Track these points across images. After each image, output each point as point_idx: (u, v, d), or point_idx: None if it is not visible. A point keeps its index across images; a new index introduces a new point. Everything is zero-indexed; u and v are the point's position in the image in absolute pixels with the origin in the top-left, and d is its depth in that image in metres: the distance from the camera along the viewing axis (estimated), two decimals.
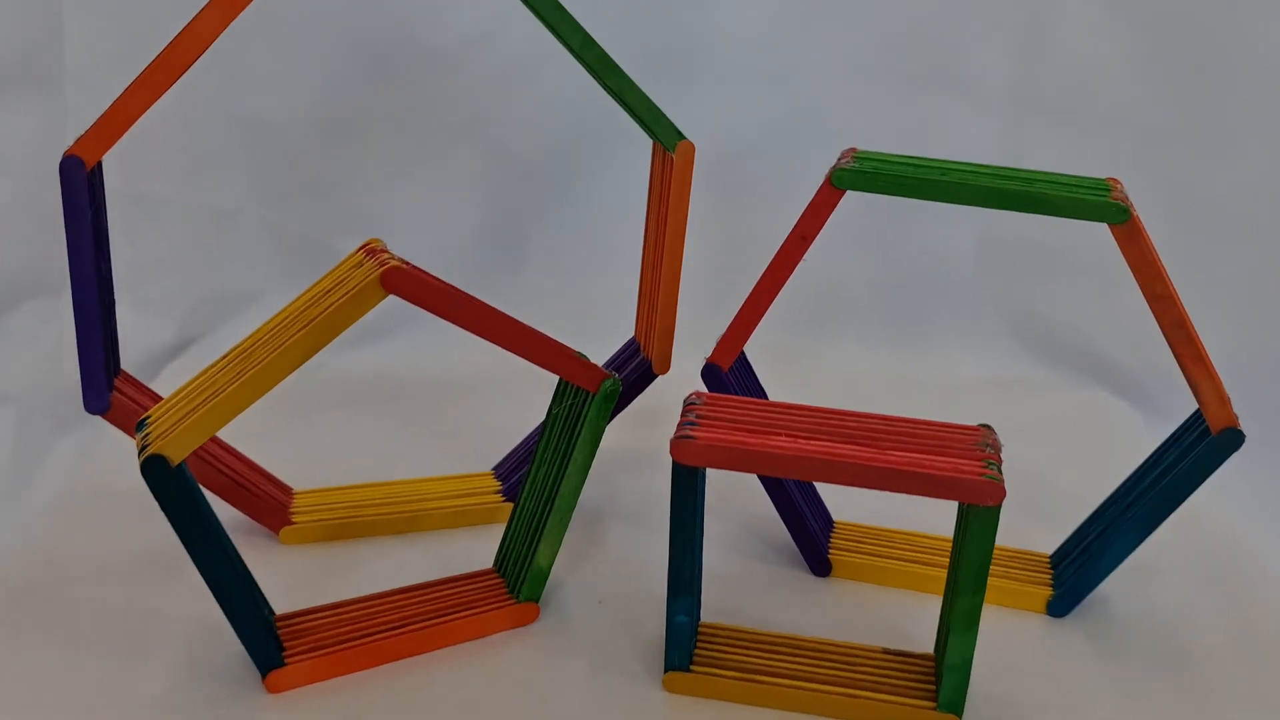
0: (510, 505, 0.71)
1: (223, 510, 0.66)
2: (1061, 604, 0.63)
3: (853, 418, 0.53)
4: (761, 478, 0.64)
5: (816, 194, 0.59)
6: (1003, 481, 0.49)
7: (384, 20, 0.89)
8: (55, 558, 0.65)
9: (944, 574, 0.65)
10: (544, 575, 0.61)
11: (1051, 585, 0.64)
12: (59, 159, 0.59)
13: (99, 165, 0.60)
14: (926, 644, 0.60)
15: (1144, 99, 0.91)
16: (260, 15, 0.59)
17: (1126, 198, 0.56)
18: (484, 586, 0.62)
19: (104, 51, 0.86)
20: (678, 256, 0.66)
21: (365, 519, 0.69)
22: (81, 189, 0.58)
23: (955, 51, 0.93)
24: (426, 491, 0.71)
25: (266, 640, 0.55)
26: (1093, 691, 0.58)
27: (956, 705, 0.54)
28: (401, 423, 0.83)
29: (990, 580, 0.61)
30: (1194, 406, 0.61)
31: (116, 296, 0.66)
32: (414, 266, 0.54)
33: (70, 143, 0.83)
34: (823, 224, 0.59)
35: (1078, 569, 0.63)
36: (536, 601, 0.61)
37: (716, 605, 0.62)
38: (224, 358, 0.54)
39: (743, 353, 0.65)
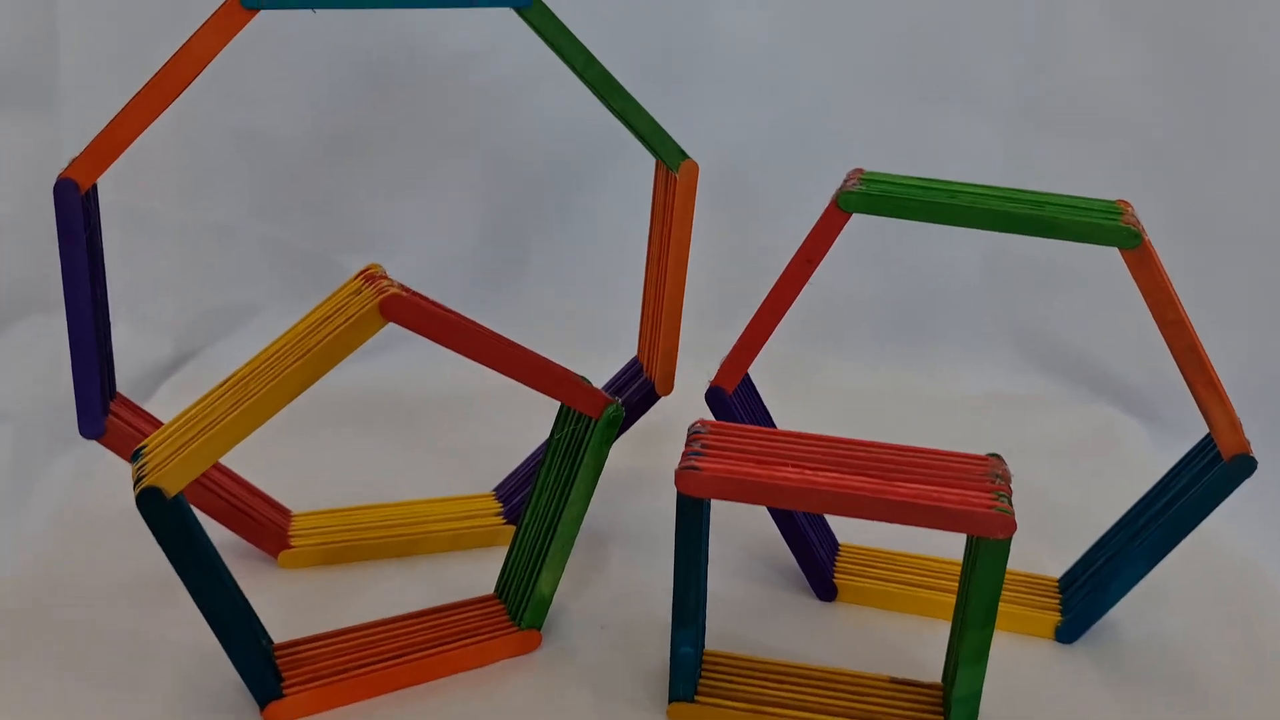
0: (511, 528, 0.70)
1: (220, 533, 0.66)
2: (1070, 630, 0.62)
3: (860, 447, 0.52)
4: None
5: (822, 216, 0.58)
6: (1013, 514, 0.48)
7: (383, 34, 0.88)
8: (50, 581, 0.64)
9: (950, 599, 0.64)
10: (546, 603, 0.60)
11: (1060, 611, 0.63)
12: (54, 173, 0.58)
13: (94, 187, 0.59)
14: (934, 671, 0.59)
15: (1150, 110, 0.90)
16: (258, 29, 0.58)
17: (1138, 221, 0.55)
18: (485, 613, 0.61)
19: (100, 66, 0.85)
20: (681, 278, 0.66)
21: (364, 542, 0.68)
22: (76, 213, 0.57)
23: (959, 62, 0.92)
24: (426, 514, 0.71)
25: (265, 671, 0.54)
26: (1102, 719, 0.58)
27: None
28: (401, 441, 0.82)
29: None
30: (1203, 425, 0.60)
31: (114, 313, 0.65)
32: (413, 292, 0.53)
33: (66, 158, 0.82)
34: (829, 247, 0.59)
35: (1086, 595, 0.62)
36: (539, 629, 0.60)
37: (720, 631, 0.61)
38: (221, 385, 0.53)
39: (747, 374, 0.64)
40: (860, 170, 0.61)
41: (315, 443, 0.81)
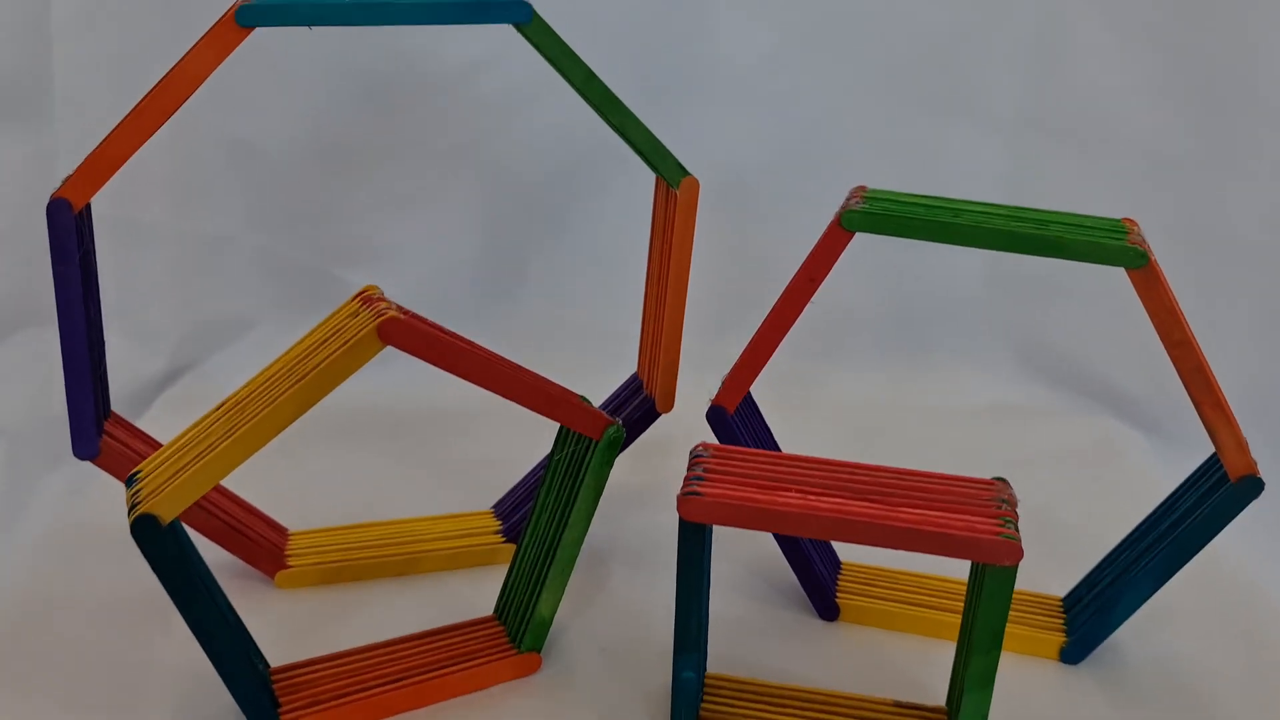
0: (510, 546, 0.69)
1: (216, 551, 0.65)
2: (1075, 651, 0.62)
3: (864, 471, 0.51)
4: None
5: (825, 236, 0.58)
6: (1019, 540, 0.48)
7: (380, 45, 0.87)
8: (42, 601, 0.64)
9: (954, 619, 0.63)
10: (546, 625, 0.59)
11: (1064, 631, 0.63)
12: (49, 186, 0.58)
13: (87, 205, 0.59)
14: (937, 693, 0.59)
15: (1156, 124, 0.89)
16: (254, 41, 0.58)
17: (1144, 240, 0.55)
18: (484, 635, 0.61)
19: (94, 79, 0.84)
20: (681, 295, 0.65)
21: (362, 562, 0.67)
22: (70, 233, 0.56)
23: (963, 75, 0.91)
24: (424, 532, 0.70)
25: (261, 697, 0.54)
26: None
27: None
28: (398, 456, 0.82)
29: None
30: (1206, 439, 0.60)
31: (109, 326, 0.64)
32: (411, 314, 0.52)
33: (60, 171, 0.81)
34: (831, 266, 0.58)
35: (1091, 615, 0.61)
36: (538, 652, 0.60)
37: (721, 653, 0.60)
38: (217, 409, 0.53)
39: (748, 391, 0.64)
40: (863, 188, 0.60)
41: (312, 458, 0.80)
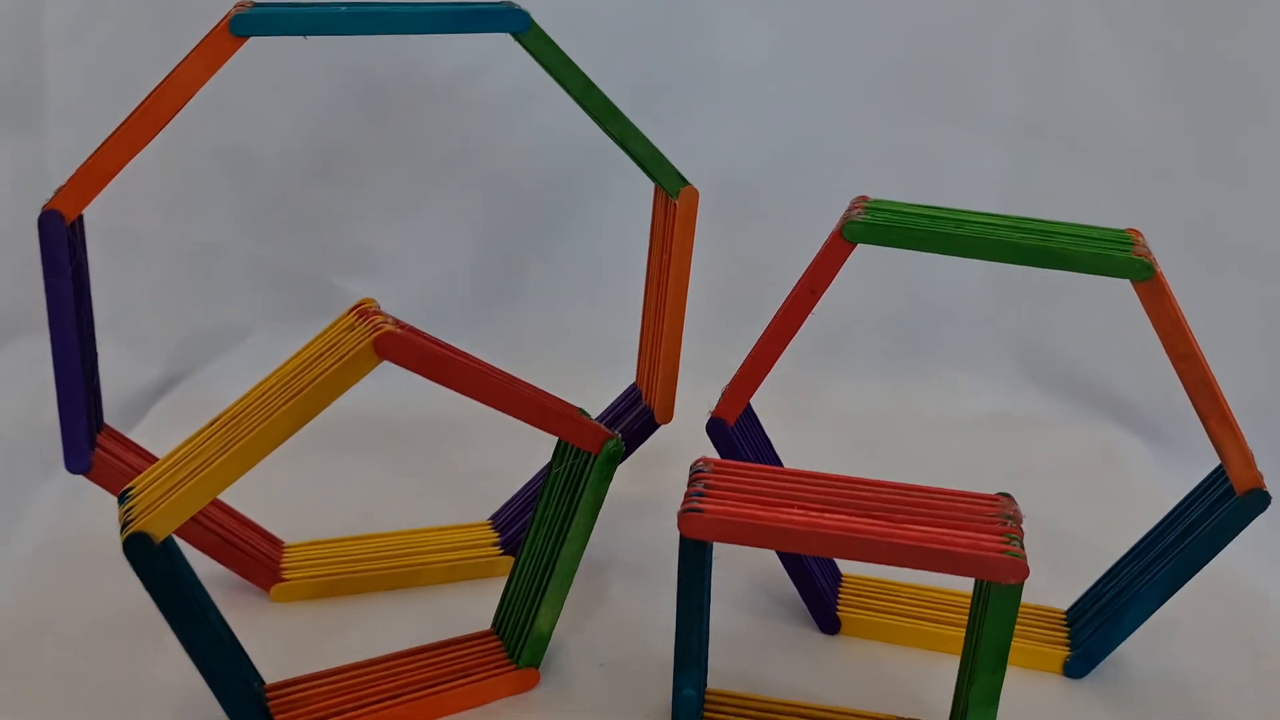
0: (508, 559, 0.68)
1: (210, 565, 0.65)
2: (1079, 665, 0.61)
3: (867, 487, 0.51)
4: None
5: (826, 247, 0.57)
6: (1025, 558, 0.47)
7: (375, 50, 0.86)
8: (34, 616, 0.63)
9: (957, 632, 0.63)
10: (545, 641, 0.59)
11: (1068, 645, 0.62)
12: (41, 194, 0.57)
13: (80, 216, 0.58)
14: (939, 709, 0.58)
15: (1158, 130, 0.89)
16: (249, 46, 0.57)
17: (1149, 252, 0.54)
18: (482, 650, 0.60)
19: (87, 86, 0.84)
20: (680, 305, 0.64)
21: (358, 575, 0.66)
22: (61, 245, 0.56)
23: (964, 81, 0.91)
24: (421, 544, 0.69)
25: (256, 715, 0.53)
26: None
27: None
28: (394, 466, 0.81)
29: None
30: (1209, 448, 0.59)
31: (102, 335, 0.64)
32: (408, 328, 0.51)
33: (53, 180, 0.80)
34: (833, 277, 0.57)
35: (1096, 629, 0.61)
36: (537, 667, 0.59)
37: (721, 667, 0.60)
38: (211, 424, 0.52)
39: (748, 403, 0.63)
40: (864, 198, 0.59)
41: (307, 467, 0.79)
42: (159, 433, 0.85)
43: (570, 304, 0.95)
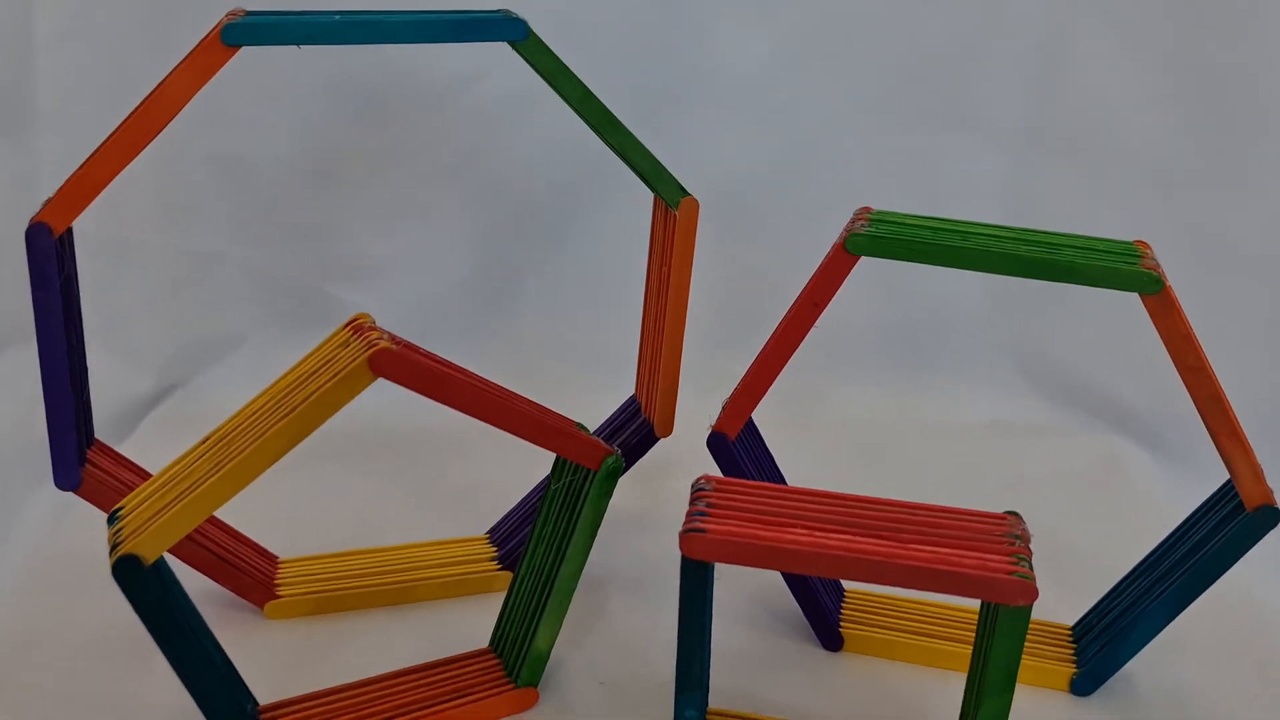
0: (506, 574, 0.67)
1: (203, 581, 0.63)
2: (1086, 682, 0.60)
3: (872, 506, 0.50)
4: None
5: (829, 260, 0.56)
6: (1034, 579, 0.46)
7: (371, 56, 0.85)
8: (22, 634, 0.62)
9: (961, 649, 0.62)
10: (543, 659, 0.58)
11: (1074, 662, 0.61)
12: (32, 204, 0.56)
13: (69, 229, 0.57)
14: None
15: (1161, 137, 0.88)
16: (242, 51, 0.56)
17: (1158, 265, 0.53)
18: (480, 669, 0.59)
19: (79, 94, 0.83)
20: (680, 317, 0.63)
21: (354, 591, 0.65)
22: (50, 258, 0.55)
23: (964, 88, 0.90)
24: (418, 559, 0.68)
25: None
26: None
27: None
28: (391, 479, 0.80)
29: None
30: (1214, 458, 0.58)
31: (94, 344, 0.63)
32: (403, 343, 0.50)
33: (44, 188, 0.79)
34: (836, 290, 0.56)
35: (1103, 646, 0.60)
36: (536, 687, 0.58)
37: (722, 685, 0.59)
38: (203, 442, 0.51)
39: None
40: (868, 209, 0.58)
41: (302, 479, 0.78)
42: (152, 444, 0.84)
43: (568, 312, 0.93)
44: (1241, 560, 0.58)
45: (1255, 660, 0.64)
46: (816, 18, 0.89)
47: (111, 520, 0.49)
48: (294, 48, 0.57)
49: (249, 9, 0.58)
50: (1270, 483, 0.56)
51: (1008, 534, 0.49)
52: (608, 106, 0.60)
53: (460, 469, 0.81)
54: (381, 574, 0.67)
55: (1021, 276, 0.53)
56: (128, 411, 0.86)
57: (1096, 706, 0.60)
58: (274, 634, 0.63)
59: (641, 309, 0.69)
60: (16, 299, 0.77)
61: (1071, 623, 0.65)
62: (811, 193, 0.91)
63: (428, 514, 0.75)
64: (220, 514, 0.66)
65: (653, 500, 0.76)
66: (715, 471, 0.62)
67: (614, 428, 0.69)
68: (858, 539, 0.48)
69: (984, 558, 0.47)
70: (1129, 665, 0.61)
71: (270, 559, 0.67)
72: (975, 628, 0.63)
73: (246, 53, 0.56)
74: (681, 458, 0.73)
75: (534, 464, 0.67)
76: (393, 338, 0.50)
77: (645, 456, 0.68)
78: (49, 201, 0.55)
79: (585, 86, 0.59)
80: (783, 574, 0.63)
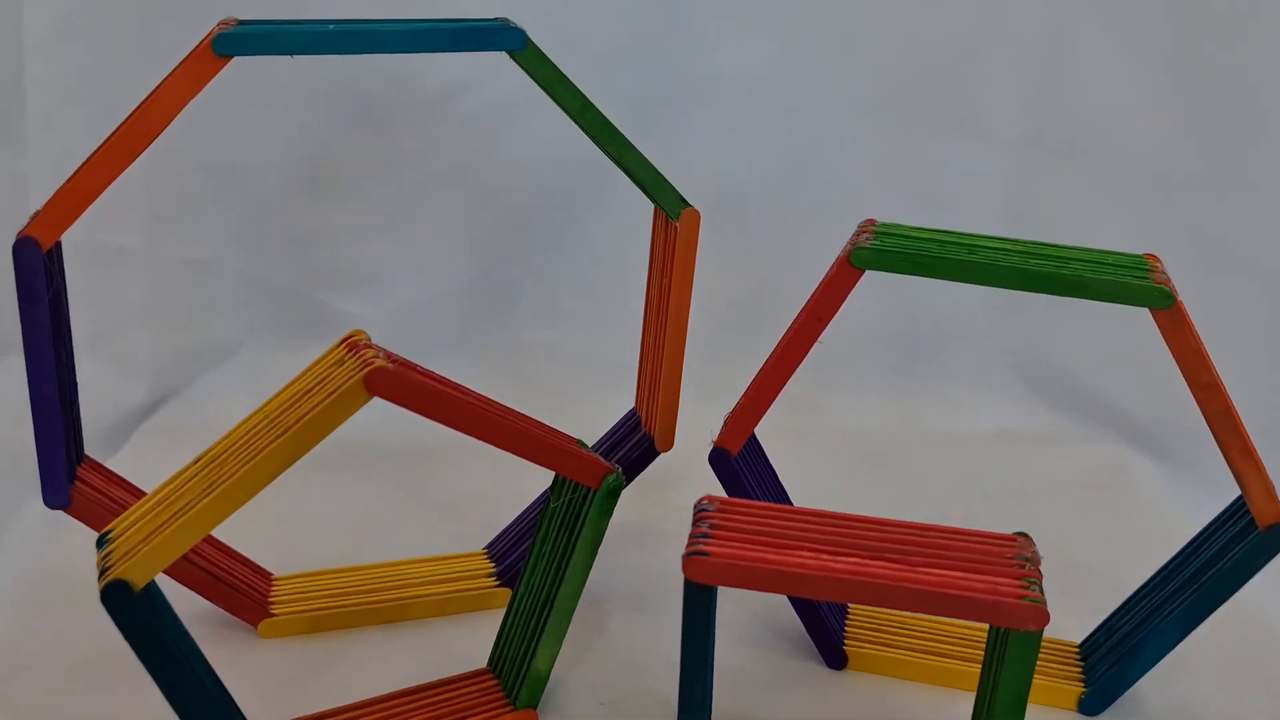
0: (505, 591, 0.66)
1: (195, 599, 0.62)
2: (1095, 702, 0.59)
3: (878, 527, 0.49)
4: None
5: (834, 273, 0.55)
6: (1045, 604, 0.45)
7: (365, 63, 0.84)
8: (9, 653, 0.60)
9: (967, 668, 0.61)
10: (543, 680, 0.57)
11: (1082, 681, 0.60)
12: (21, 211, 0.55)
13: (57, 242, 0.56)
14: None
15: (1162, 141, 0.87)
16: (234, 59, 0.55)
17: (1168, 279, 0.52)
18: (478, 690, 0.58)
19: (69, 100, 0.81)
20: (681, 331, 0.62)
21: (349, 609, 0.64)
22: (38, 273, 0.53)
23: (965, 93, 0.89)
24: (414, 575, 0.67)
25: None
26: None
27: None
28: (387, 491, 0.79)
29: None
30: (1221, 468, 0.57)
31: (86, 353, 0.62)
32: (399, 361, 0.49)
33: (33, 196, 0.77)
34: (840, 304, 0.55)
35: (1112, 665, 0.59)
36: (535, 708, 0.57)
37: (725, 705, 0.58)
38: (194, 463, 0.50)
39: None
40: (872, 221, 0.57)
41: (296, 493, 0.76)
42: (145, 454, 0.83)
43: (565, 318, 0.92)
44: (1256, 577, 0.57)
45: (1265, 678, 0.63)
46: (817, 25, 0.88)
47: (100, 543, 0.48)
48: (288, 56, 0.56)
49: (242, 17, 0.57)
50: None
51: (1018, 556, 0.47)
52: (607, 114, 0.59)
53: (457, 480, 0.80)
54: (378, 591, 0.66)
55: (1029, 290, 0.52)
56: (121, 421, 0.85)
57: None
58: (268, 653, 0.62)
59: (639, 317, 0.67)
60: (7, 308, 0.76)
61: (1078, 639, 0.64)
62: (812, 198, 0.90)
63: (424, 527, 0.74)
64: (214, 529, 0.65)
65: (653, 514, 0.75)
66: (716, 484, 0.61)
67: (613, 442, 0.68)
68: (865, 561, 0.46)
69: (994, 581, 0.46)
70: (1138, 684, 0.60)
71: (264, 576, 0.66)
72: (982, 646, 0.62)
73: (239, 59, 0.54)
74: (682, 470, 0.72)
75: (532, 476, 0.65)
76: (388, 355, 0.49)
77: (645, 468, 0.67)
78: (37, 215, 0.54)
79: (584, 96, 0.58)
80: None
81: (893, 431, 0.90)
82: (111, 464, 0.81)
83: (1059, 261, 0.53)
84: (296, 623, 0.63)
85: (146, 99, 0.53)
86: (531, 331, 0.92)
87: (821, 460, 0.85)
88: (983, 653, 0.62)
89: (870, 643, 0.63)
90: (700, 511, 0.50)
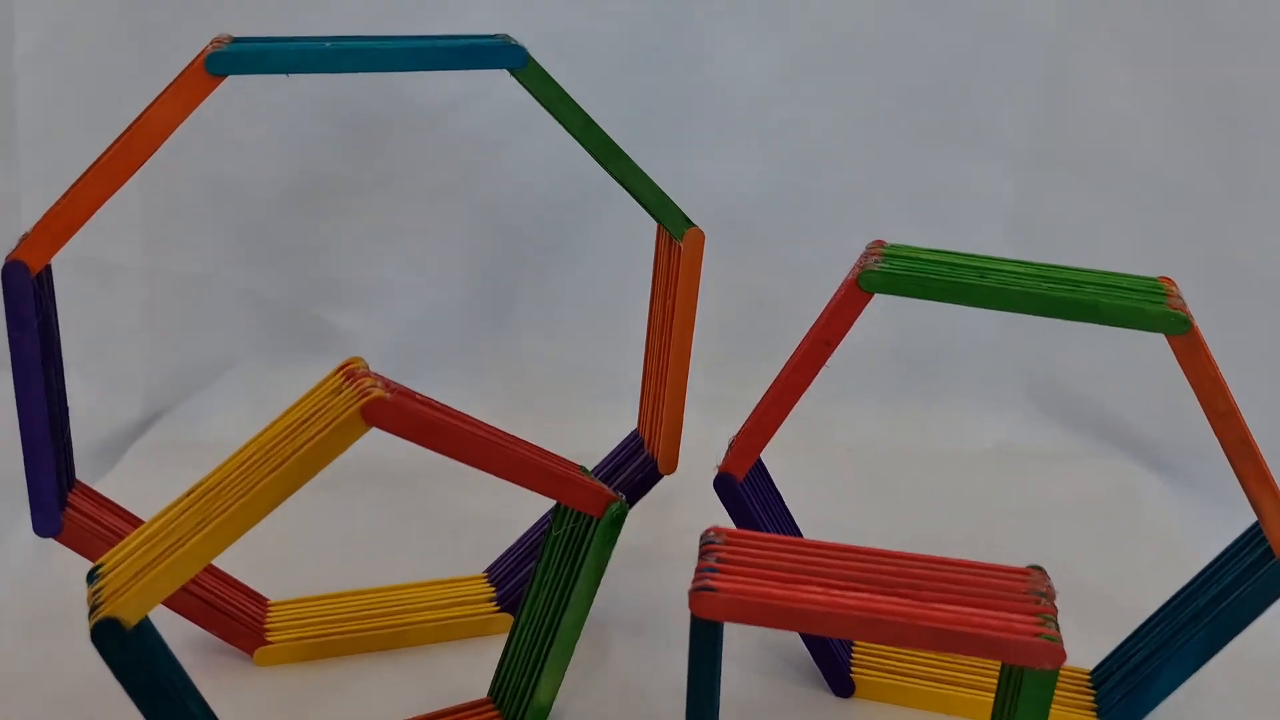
0: (506, 616, 0.65)
1: (188, 626, 0.61)
2: None
3: (889, 560, 0.47)
4: None
5: (843, 297, 0.54)
6: (1061, 641, 0.44)
7: (362, 77, 0.82)
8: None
9: (977, 696, 0.60)
10: (545, 711, 0.55)
11: (1095, 709, 0.59)
12: (12, 227, 0.54)
13: (48, 266, 0.54)
14: None
15: (1168, 156, 0.86)
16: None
17: (1184, 305, 0.51)
18: None
19: (60, 114, 0.80)
20: (685, 353, 0.61)
21: (347, 636, 0.63)
22: (27, 298, 0.52)
23: (971, 105, 0.87)
24: (413, 600, 0.66)
25: None
26: None
27: None
28: (384, 511, 0.78)
29: None
30: (1228, 486, 0.56)
31: (78, 370, 0.60)
32: (398, 389, 0.48)
33: (25, 211, 0.76)
34: (848, 328, 0.54)
35: (1126, 694, 0.58)
36: None
37: None
38: (188, 495, 0.48)
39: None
40: (880, 243, 0.56)
41: (292, 514, 0.74)
42: (138, 472, 0.82)
43: (564, 333, 0.91)
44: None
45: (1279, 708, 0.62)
46: (822, 37, 0.86)
47: (91, 578, 0.47)
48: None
49: (235, 31, 0.56)
50: None
51: (1032, 591, 0.46)
52: (608, 127, 0.58)
53: (456, 501, 0.78)
54: (376, 616, 0.64)
55: (1043, 315, 0.51)
56: (113, 438, 0.84)
57: None
58: (264, 682, 0.61)
59: (639, 329, 0.66)
60: None
61: (1086, 662, 0.63)
62: (817, 212, 0.89)
63: (423, 548, 0.73)
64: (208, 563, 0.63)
65: (655, 535, 0.74)
66: (718, 504, 0.60)
67: (615, 464, 0.66)
68: (876, 597, 0.45)
69: (1008, 618, 0.45)
70: (1151, 713, 0.58)
71: (260, 602, 0.65)
72: (992, 674, 0.61)
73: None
74: (684, 489, 0.71)
75: (533, 497, 0.63)
76: (386, 384, 0.48)
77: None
78: (26, 237, 0.53)
79: (586, 115, 0.57)
80: None
81: (898, 448, 0.88)
82: (104, 482, 0.80)
83: (1072, 285, 0.52)
84: (293, 650, 0.62)
85: (138, 120, 0.52)
86: (530, 345, 0.90)
87: (826, 477, 0.84)
88: (991, 680, 0.61)
89: (877, 670, 0.62)
90: (707, 544, 0.48)
